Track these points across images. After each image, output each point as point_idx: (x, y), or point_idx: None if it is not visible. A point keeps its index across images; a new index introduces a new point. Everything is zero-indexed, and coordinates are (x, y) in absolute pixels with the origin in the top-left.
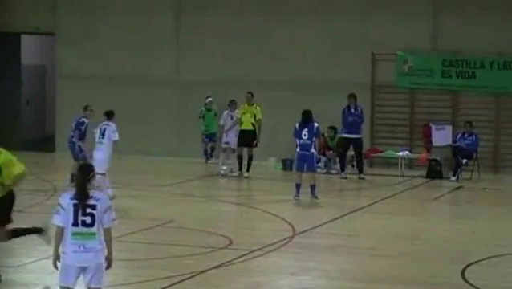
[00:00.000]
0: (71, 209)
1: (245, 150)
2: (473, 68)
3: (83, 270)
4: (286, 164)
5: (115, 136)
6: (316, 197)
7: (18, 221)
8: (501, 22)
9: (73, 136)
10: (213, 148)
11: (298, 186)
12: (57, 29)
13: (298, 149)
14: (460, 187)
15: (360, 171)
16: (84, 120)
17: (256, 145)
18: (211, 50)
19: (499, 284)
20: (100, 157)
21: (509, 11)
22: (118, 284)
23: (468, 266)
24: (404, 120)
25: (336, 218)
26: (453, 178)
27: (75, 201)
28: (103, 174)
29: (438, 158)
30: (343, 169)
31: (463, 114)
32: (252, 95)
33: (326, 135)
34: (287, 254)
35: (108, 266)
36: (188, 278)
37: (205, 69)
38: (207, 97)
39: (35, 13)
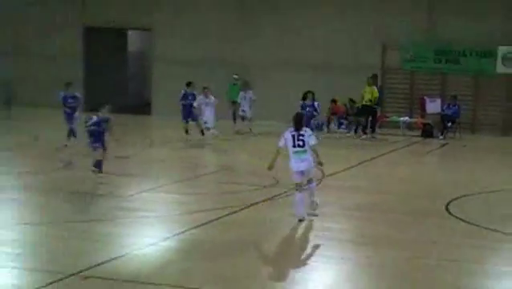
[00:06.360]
0: (291, 138)
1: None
2: (458, 56)
3: (303, 172)
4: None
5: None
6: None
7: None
8: (483, 20)
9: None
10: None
11: None
12: (153, 25)
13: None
14: (446, 144)
15: (373, 131)
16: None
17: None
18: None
19: (476, 216)
20: (208, 114)
21: (491, 9)
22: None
23: (451, 201)
24: (405, 94)
25: (351, 167)
26: (441, 137)
27: (293, 133)
28: (208, 129)
29: (430, 122)
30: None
31: (449, 90)
32: (371, 78)
33: (347, 105)
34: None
35: (321, 165)
36: (242, 209)
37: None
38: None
39: (137, 13)
